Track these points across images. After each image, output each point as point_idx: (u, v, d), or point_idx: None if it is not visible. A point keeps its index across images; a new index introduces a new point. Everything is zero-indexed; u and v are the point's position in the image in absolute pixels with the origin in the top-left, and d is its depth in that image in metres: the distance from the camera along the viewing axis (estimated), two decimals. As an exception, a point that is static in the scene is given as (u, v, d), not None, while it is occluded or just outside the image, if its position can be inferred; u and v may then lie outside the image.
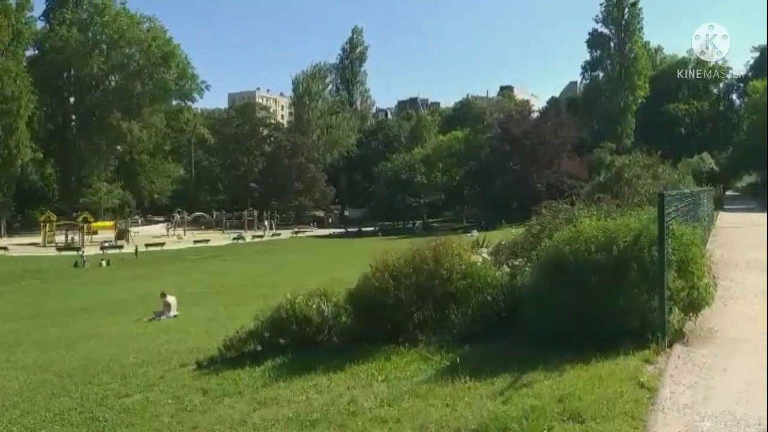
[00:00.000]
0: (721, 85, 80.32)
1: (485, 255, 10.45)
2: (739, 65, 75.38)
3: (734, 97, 78.90)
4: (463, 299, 8.87)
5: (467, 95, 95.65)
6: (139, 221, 75.74)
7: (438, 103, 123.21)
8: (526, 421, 4.91)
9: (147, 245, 52.43)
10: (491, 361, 6.86)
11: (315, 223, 79.37)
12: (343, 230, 71.11)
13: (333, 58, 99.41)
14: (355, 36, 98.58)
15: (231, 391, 7.72)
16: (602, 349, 6.36)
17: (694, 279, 7.34)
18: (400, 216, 72.53)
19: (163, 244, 54.50)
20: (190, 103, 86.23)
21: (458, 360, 7.13)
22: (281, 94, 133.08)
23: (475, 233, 33.95)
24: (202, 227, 74.06)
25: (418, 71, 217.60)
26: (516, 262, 9.24)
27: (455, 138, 73.77)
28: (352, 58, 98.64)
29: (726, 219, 28.58)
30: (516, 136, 59.43)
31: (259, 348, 9.51)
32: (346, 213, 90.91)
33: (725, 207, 38.67)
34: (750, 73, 72.04)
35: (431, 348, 8.11)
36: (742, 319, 8.12)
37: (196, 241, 56.77)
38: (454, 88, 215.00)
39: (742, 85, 73.98)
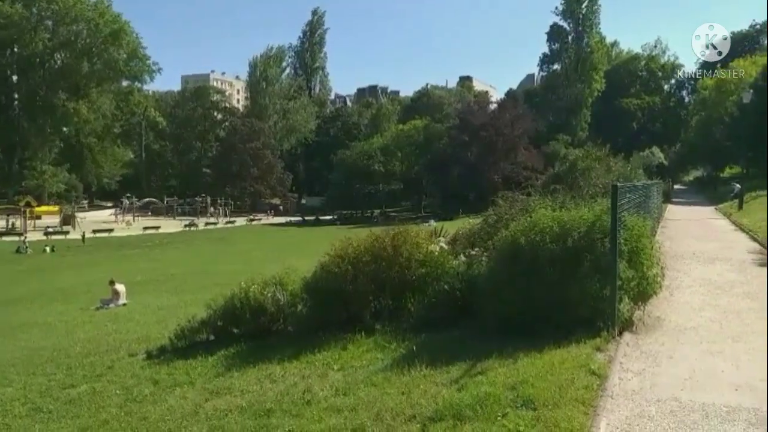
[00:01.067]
0: (672, 81, 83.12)
1: (443, 244, 10.50)
2: (689, 63, 78.19)
3: (684, 94, 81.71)
4: (420, 288, 8.91)
5: (427, 84, 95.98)
6: (86, 206, 73.12)
7: (397, 92, 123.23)
8: (480, 408, 4.97)
9: (94, 231, 50.69)
10: (447, 349, 6.91)
11: (272, 211, 78.36)
12: (300, 218, 70.37)
13: (291, 42, 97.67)
14: (315, 19, 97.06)
15: (182, 381, 7.56)
16: (555, 337, 6.49)
17: (644, 269, 7.56)
18: (359, 205, 72.37)
19: (111, 230, 52.82)
20: (140, 84, 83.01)
21: (415, 348, 7.15)
22: (237, 78, 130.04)
23: (432, 223, 34.25)
24: (149, 213, 71.85)
25: (378, 59, 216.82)
26: (473, 252, 9.33)
27: (414, 127, 73.91)
28: (311, 42, 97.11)
29: (674, 212, 29.66)
30: (474, 127, 60.04)
31: (212, 337, 9.35)
32: (304, 201, 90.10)
33: (673, 200, 40.12)
34: (700, 71, 74.79)
35: (388, 336, 8.12)
36: (687, 308, 8.43)
37: (146, 228, 55.21)
38: (414, 77, 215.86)
39: (692, 82, 76.73)
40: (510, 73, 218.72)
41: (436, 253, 9.51)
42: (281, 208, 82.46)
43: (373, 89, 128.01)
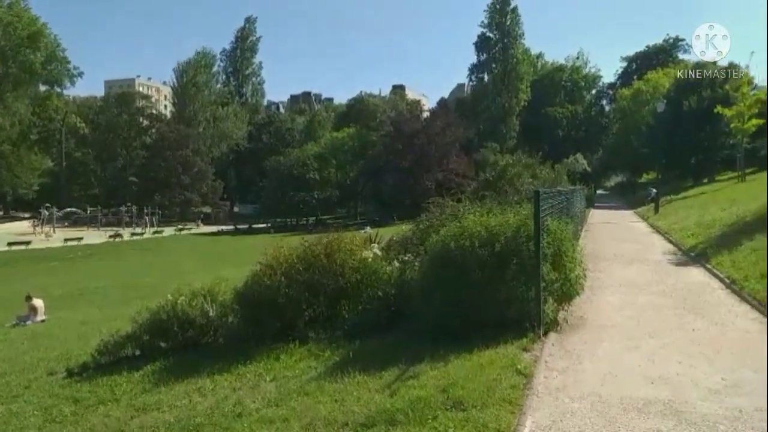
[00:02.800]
0: (594, 91, 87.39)
1: (377, 251, 10.57)
2: (609, 74, 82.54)
3: (604, 103, 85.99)
4: (354, 295, 8.92)
5: (361, 92, 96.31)
6: (1, 217, 68.47)
7: (331, 99, 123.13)
8: (412, 412, 5.04)
9: (10, 244, 47.45)
10: (381, 354, 6.96)
11: (202, 220, 76.14)
12: (232, 227, 68.73)
13: (223, 47, 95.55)
14: (247, 26, 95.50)
15: (106, 398, 7.21)
16: (485, 339, 6.67)
17: (567, 271, 7.90)
18: (293, 212, 71.49)
19: (29, 242, 49.59)
20: (60, 89, 78.75)
21: (349, 355, 7.15)
22: (164, 83, 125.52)
23: (368, 229, 34.25)
24: (67, 225, 67.94)
25: (312, 66, 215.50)
26: (406, 258, 9.44)
27: (349, 135, 74.04)
28: (243, 48, 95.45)
29: (596, 216, 31.08)
30: (408, 134, 60.75)
31: (138, 352, 8.96)
32: (236, 209, 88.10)
33: (596, 205, 42.06)
34: (619, 81, 78.97)
35: (322, 344, 8.08)
36: (608, 307, 8.87)
37: (67, 240, 52.19)
38: (348, 84, 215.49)
39: (611, 92, 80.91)
40: (441, 82, 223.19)
41: (370, 260, 9.56)
42: (212, 216, 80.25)
43: (306, 96, 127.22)
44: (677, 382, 5.55)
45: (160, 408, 6.51)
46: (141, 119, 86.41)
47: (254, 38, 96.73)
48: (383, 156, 63.20)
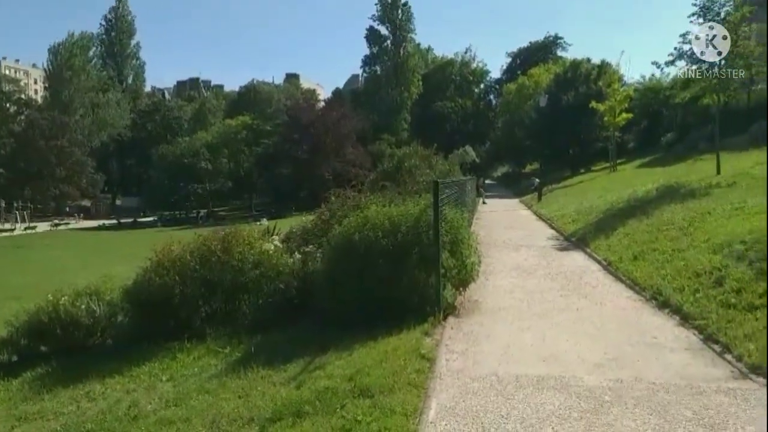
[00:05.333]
0: (482, 86, 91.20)
1: (277, 243, 10.39)
2: (495, 69, 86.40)
3: (492, 97, 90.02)
4: (255, 289, 8.75)
5: (253, 80, 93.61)
6: None
7: (222, 86, 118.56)
8: (320, 403, 5.04)
9: None
10: (285, 347, 6.88)
11: (82, 214, 70.65)
12: (115, 221, 64.43)
13: (94, 30, 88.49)
14: (120, 6, 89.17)
15: (-22, 411, 6.54)
16: (388, 327, 6.80)
17: (463, 258, 8.23)
18: (183, 205, 68.37)
19: None
20: None
21: (251, 350, 7.01)
22: (34, 66, 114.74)
23: (264, 221, 33.56)
24: None
25: (200, 50, 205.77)
26: (308, 249, 9.37)
27: (242, 123, 71.77)
28: (118, 30, 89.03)
29: (486, 204, 32.57)
30: (304, 124, 59.99)
31: (15, 358, 8.23)
32: (118, 202, 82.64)
33: (486, 194, 44.02)
34: (504, 76, 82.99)
35: (222, 341, 7.86)
36: (500, 291, 9.36)
37: None
38: (239, 71, 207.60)
39: (498, 86, 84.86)
40: (336, 72, 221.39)
41: (271, 252, 9.39)
42: (92, 210, 74.72)
43: (194, 82, 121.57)
44: (565, 358, 5.98)
45: (45, 416, 6.04)
46: (8, 105, 78.30)
47: (129, 18, 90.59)
48: (279, 145, 62.00)
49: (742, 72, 17.42)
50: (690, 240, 10.10)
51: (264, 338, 7.63)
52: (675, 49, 18.14)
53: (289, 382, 5.81)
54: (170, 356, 7.66)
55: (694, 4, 17.15)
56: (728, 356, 5.77)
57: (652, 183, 18.53)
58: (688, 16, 17.32)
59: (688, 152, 27.70)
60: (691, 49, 17.55)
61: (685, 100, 25.00)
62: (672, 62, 18.82)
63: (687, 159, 25.33)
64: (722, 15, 16.91)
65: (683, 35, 17.66)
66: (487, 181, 61.76)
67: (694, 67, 18.26)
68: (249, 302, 8.61)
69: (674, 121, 37.57)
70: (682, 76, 23.77)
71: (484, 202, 32.79)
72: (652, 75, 43.05)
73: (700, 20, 17.14)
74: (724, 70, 16.83)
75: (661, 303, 7.79)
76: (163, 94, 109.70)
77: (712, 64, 17.32)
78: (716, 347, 6.04)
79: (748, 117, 25.22)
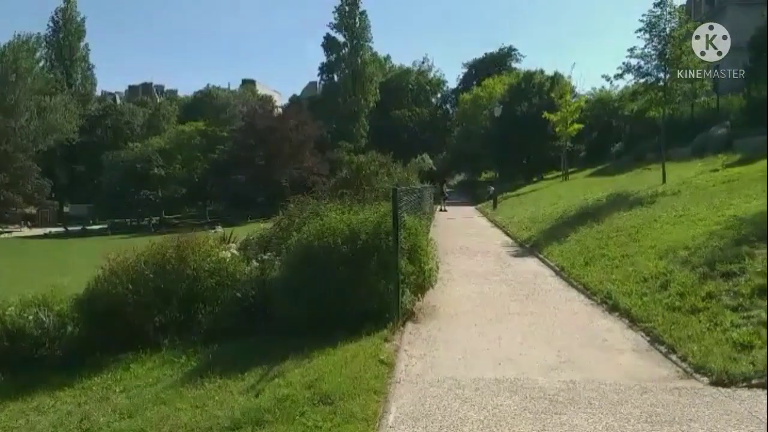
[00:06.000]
0: (439, 95, 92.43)
1: (234, 251, 10.27)
2: (452, 79, 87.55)
3: (448, 106, 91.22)
4: (211, 297, 8.62)
5: (208, 85, 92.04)
6: None
7: (175, 91, 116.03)
8: (279, 411, 5.02)
9: None
10: (242, 356, 6.81)
11: (28, 222, 67.78)
12: (62, 229, 62.10)
13: (41, 31, 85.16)
14: (68, 7, 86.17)
15: None
16: (348, 333, 6.82)
17: (422, 264, 8.35)
18: (135, 212, 66.45)
19: None
20: None
21: (208, 359, 6.91)
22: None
23: (219, 229, 32.97)
24: None
25: (153, 54, 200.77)
26: (266, 256, 9.29)
27: (197, 129, 70.39)
28: (66, 32, 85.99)
29: (446, 212, 32.91)
30: (260, 130, 59.35)
31: (-45, 373, 7.83)
32: (66, 209, 79.62)
33: (442, 201, 44.49)
34: (460, 86, 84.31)
35: (177, 351, 7.71)
36: (457, 296, 9.51)
37: None
38: (193, 76, 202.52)
39: (454, 96, 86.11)
40: (294, 79, 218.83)
41: (227, 260, 9.28)
42: (38, 218, 71.76)
43: (147, 87, 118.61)
44: (520, 361, 6.14)
45: (-11, 433, 5.78)
46: (-55, 108, 74.51)
47: (79, 20, 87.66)
48: (234, 152, 61.11)
49: (685, 86, 18.26)
50: (638, 246, 10.50)
51: (221, 347, 7.52)
52: (623, 63, 18.86)
53: (248, 390, 5.76)
54: (123, 367, 7.48)
55: (641, 20, 17.90)
56: (673, 357, 6.05)
57: (602, 191, 19.19)
58: (635, 32, 18.04)
59: (635, 162, 28.78)
60: (638, 62, 18.34)
61: (632, 112, 25.98)
62: (620, 75, 19.52)
63: (635, 168, 26.30)
64: (667, 30, 17.70)
65: (631, 50, 18.39)
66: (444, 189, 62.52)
67: (641, 80, 19.09)
68: (205, 311, 8.46)
69: (623, 132, 38.93)
70: (629, 89, 24.79)
71: (444, 209, 33.04)
72: (603, 87, 44.59)
73: (647, 35, 17.90)
74: (669, 84, 17.65)
75: (611, 307, 8.08)
76: (114, 99, 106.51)
77: (657, 78, 18.12)
78: (662, 348, 6.31)
79: (692, 128, 26.39)
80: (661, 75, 18.00)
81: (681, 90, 18.21)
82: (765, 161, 15.84)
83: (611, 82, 35.87)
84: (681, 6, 20.68)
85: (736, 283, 7.12)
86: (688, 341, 6.15)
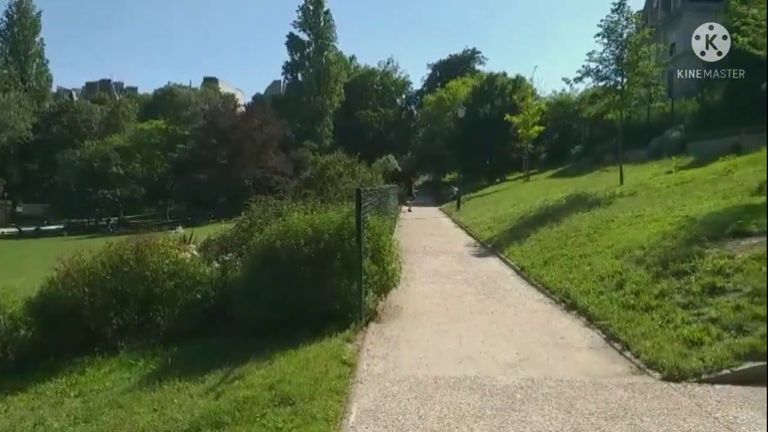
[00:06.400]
0: (404, 96, 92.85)
1: (194, 251, 10.11)
2: (417, 80, 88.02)
3: (413, 108, 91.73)
4: (170, 299, 8.48)
5: (169, 82, 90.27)
6: None
7: (135, 88, 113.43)
8: (239, 413, 4.98)
9: None
10: (202, 358, 6.72)
11: (-24, 222, 65.20)
12: (15, 230, 59.95)
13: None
14: (24, 0, 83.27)
15: None
16: (310, 334, 6.81)
17: (385, 264, 8.38)
18: (92, 212, 64.64)
19: None
20: None
21: (167, 362, 6.79)
22: None
23: (180, 230, 32.34)
24: None
25: (112, 50, 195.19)
26: (227, 257, 9.18)
27: (157, 127, 68.93)
28: (21, 26, 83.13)
29: (406, 212, 33.06)
30: (223, 129, 58.42)
31: None
32: (19, 209, 76.92)
33: (407, 202, 44.74)
34: (425, 88, 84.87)
35: (135, 354, 7.56)
36: (420, 296, 9.57)
37: None
38: (154, 73, 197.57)
39: (419, 97, 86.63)
40: (257, 77, 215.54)
41: (187, 261, 9.13)
42: (-11, 218, 69.11)
43: (106, 84, 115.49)
44: (480, 359, 6.24)
45: (-65, 442, 5.56)
46: None
47: (35, 14, 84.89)
48: (196, 151, 60.03)
49: (641, 90, 18.83)
50: (595, 246, 10.77)
51: (180, 350, 7.41)
52: (582, 66, 19.32)
53: (207, 393, 5.69)
54: (79, 371, 7.30)
55: (599, 26, 18.38)
56: (627, 353, 6.23)
57: (562, 192, 19.61)
58: (594, 36, 18.53)
59: (594, 164, 29.52)
60: (597, 66, 18.81)
61: (591, 115, 26.66)
62: (580, 79, 20.00)
63: (594, 170, 26.97)
64: (624, 36, 18.22)
65: (590, 54, 18.87)
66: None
67: (599, 84, 19.59)
68: (164, 313, 8.32)
69: (583, 134, 39.88)
70: (588, 92, 25.41)
71: (409, 210, 33.29)
72: (563, 90, 45.51)
73: (605, 40, 18.40)
74: (626, 88, 18.18)
75: (569, 305, 8.27)
76: (71, 96, 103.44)
77: (615, 82, 18.64)
78: (617, 345, 6.50)
79: (648, 131, 27.22)
80: (619, 79, 18.53)
81: (637, 94, 18.76)
82: (716, 163, 16.54)
83: (571, 85, 36.58)
84: (638, 12, 21.29)
85: (687, 282, 7.37)
86: (642, 338, 6.34)
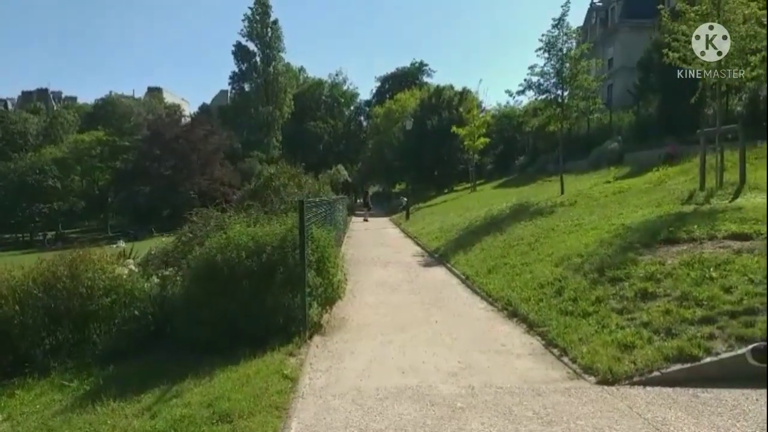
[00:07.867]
0: (352, 108, 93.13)
1: (132, 267, 9.79)
2: (366, 92, 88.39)
3: (362, 119, 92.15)
4: (106, 317, 8.18)
5: (111, 92, 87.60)
6: None
7: (74, 98, 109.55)
8: (175, 432, 4.83)
9: None
10: (139, 378, 6.49)
11: None
12: (-58, 246, 56.59)
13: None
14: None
15: None
16: (252, 349, 6.69)
17: (330, 276, 8.35)
18: (27, 227, 61.78)
19: None
20: None
21: (101, 382, 6.53)
22: None
23: (121, 244, 31.27)
24: None
25: (49, 57, 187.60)
26: (166, 272, 8.93)
27: (98, 139, 66.58)
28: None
29: (358, 223, 33.11)
30: (167, 140, 57.02)
31: None
32: (-52, 224, 72.81)
33: (356, 212, 44.76)
34: (374, 99, 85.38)
35: (68, 374, 7.24)
36: (366, 307, 9.58)
37: None
38: (94, 82, 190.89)
39: (368, 109, 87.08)
40: (203, 87, 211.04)
41: (125, 277, 8.84)
42: None
43: (43, 93, 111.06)
44: (423, 369, 6.28)
45: None
46: None
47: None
48: (138, 162, 58.27)
49: (580, 103, 19.53)
50: (536, 254, 11.06)
51: (117, 369, 7.14)
52: (524, 80, 19.89)
53: (143, 413, 5.49)
54: (8, 393, 6.96)
55: (540, 40, 19.00)
56: (565, 359, 6.40)
57: (507, 202, 20.07)
58: (536, 50, 19.13)
59: (537, 174, 30.38)
60: (538, 80, 19.40)
61: (534, 127, 27.45)
62: (522, 92, 20.60)
63: (537, 180, 27.74)
64: (564, 50, 18.88)
65: (531, 67, 19.45)
66: (359, 201, 62.88)
67: (541, 97, 20.20)
68: (100, 331, 8.01)
69: (527, 146, 40.98)
70: (531, 105, 26.16)
71: (366, 220, 34.00)
72: (507, 102, 46.72)
73: (546, 54, 19.02)
74: (566, 101, 18.83)
75: (511, 313, 8.45)
76: (6, 105, 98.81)
77: (556, 95, 19.26)
78: (555, 351, 6.67)
79: (588, 143, 28.23)
80: (559, 92, 19.17)
81: (577, 106, 19.46)
82: (650, 173, 17.32)
83: (514, 98, 37.72)
84: (577, 27, 22.08)
85: (621, 288, 7.65)
86: (579, 344, 6.53)
